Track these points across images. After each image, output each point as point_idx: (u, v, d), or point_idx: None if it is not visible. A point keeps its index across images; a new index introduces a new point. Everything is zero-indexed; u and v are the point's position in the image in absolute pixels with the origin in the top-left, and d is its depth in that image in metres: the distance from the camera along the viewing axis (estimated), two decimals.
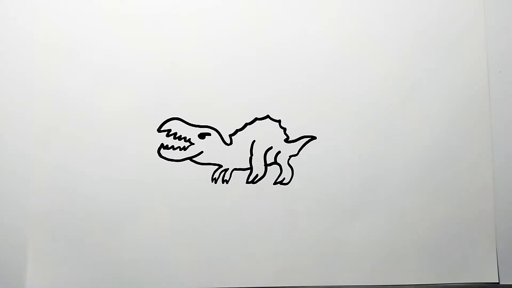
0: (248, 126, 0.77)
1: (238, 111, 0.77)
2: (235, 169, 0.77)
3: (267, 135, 0.77)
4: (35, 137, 0.74)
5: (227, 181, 0.76)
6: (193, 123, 0.76)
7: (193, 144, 0.76)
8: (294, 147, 0.77)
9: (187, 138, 0.76)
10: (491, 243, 0.78)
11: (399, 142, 0.78)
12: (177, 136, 0.76)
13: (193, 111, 0.76)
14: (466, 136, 0.79)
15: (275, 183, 0.77)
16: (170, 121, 0.76)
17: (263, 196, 0.77)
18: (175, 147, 0.76)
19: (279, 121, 0.77)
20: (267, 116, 0.77)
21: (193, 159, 0.76)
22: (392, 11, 0.79)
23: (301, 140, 0.77)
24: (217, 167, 0.76)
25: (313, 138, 0.78)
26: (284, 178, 0.77)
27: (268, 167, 0.77)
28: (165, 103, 0.75)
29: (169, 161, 0.75)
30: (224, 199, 0.76)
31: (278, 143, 0.77)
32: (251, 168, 0.77)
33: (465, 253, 0.78)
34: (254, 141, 0.77)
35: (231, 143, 0.77)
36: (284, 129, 0.77)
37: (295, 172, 0.77)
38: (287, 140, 0.77)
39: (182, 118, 0.76)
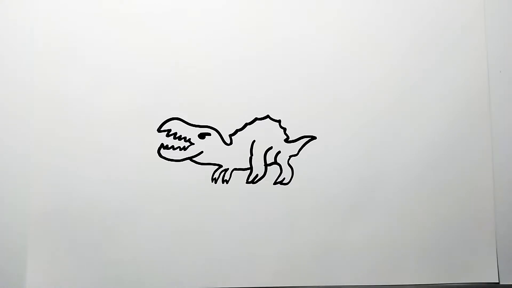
0: (248, 126, 0.77)
1: (238, 111, 0.77)
2: (235, 169, 0.77)
3: (267, 135, 0.77)
4: (35, 137, 0.74)
5: (227, 181, 0.76)
6: (193, 123, 0.76)
7: (193, 144, 0.76)
8: (294, 147, 0.77)
9: (187, 138, 0.76)
10: (491, 243, 0.78)
11: (399, 142, 0.78)
12: (177, 136, 0.76)
13: (193, 111, 0.76)
14: (466, 136, 0.79)
15: (275, 183, 0.77)
16: (170, 121, 0.76)
17: (263, 196, 0.77)
18: (175, 147, 0.76)
19: (279, 121, 0.77)
20: (267, 116, 0.77)
21: (193, 159, 0.76)
22: (392, 11, 0.79)
23: (301, 140, 0.77)
24: (217, 167, 0.76)
25: (313, 138, 0.78)
26: (284, 178, 0.77)
27: (268, 167, 0.77)
28: (165, 103, 0.75)
29: (169, 161, 0.75)
30: (224, 199, 0.76)
31: (278, 143, 0.77)
32: (251, 168, 0.77)
33: (465, 253, 0.78)
34: (254, 141, 0.77)
35: (231, 143, 0.77)
36: (284, 129, 0.77)
37: (295, 172, 0.77)
38: (287, 140, 0.77)
39: (182, 118, 0.76)
